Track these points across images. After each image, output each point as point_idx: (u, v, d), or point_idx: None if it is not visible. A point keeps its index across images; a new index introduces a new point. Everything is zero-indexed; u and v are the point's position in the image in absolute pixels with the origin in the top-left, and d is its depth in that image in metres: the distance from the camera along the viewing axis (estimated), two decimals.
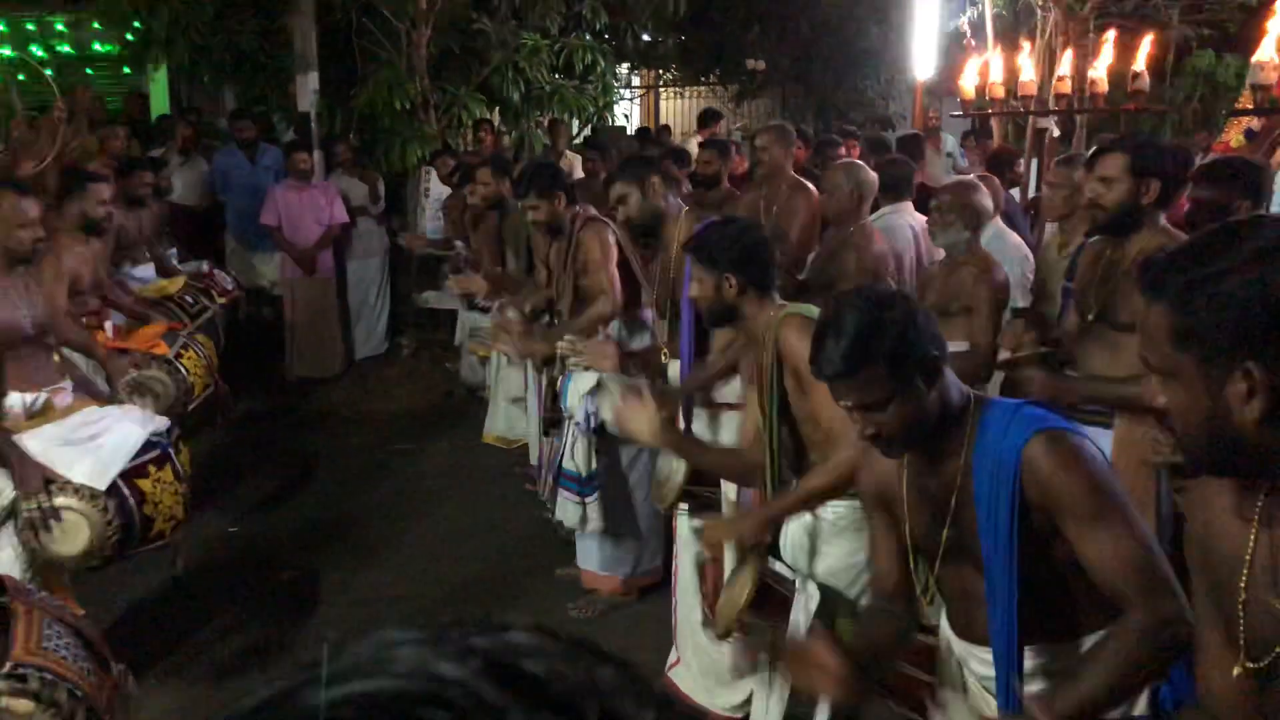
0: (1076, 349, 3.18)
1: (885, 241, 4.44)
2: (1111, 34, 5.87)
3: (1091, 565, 1.78)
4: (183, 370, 4.44)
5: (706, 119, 8.61)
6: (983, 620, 1.93)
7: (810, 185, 5.17)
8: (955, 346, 3.66)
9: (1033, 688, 1.92)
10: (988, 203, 3.94)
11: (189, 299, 5.61)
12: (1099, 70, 5.64)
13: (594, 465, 4.05)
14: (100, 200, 4.66)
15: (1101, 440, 2.93)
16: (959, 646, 2.09)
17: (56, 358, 3.56)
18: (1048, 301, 3.88)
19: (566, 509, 4.12)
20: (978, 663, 2.03)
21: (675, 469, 3.44)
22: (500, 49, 8.07)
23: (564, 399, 4.09)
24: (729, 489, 3.34)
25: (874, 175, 4.42)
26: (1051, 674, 1.94)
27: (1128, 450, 2.96)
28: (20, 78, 10.50)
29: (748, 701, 3.40)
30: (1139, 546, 1.76)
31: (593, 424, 3.99)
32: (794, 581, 2.67)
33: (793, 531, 2.83)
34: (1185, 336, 1.30)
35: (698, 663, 3.54)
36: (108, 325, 4.81)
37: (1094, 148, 3.51)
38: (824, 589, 2.62)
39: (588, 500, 4.07)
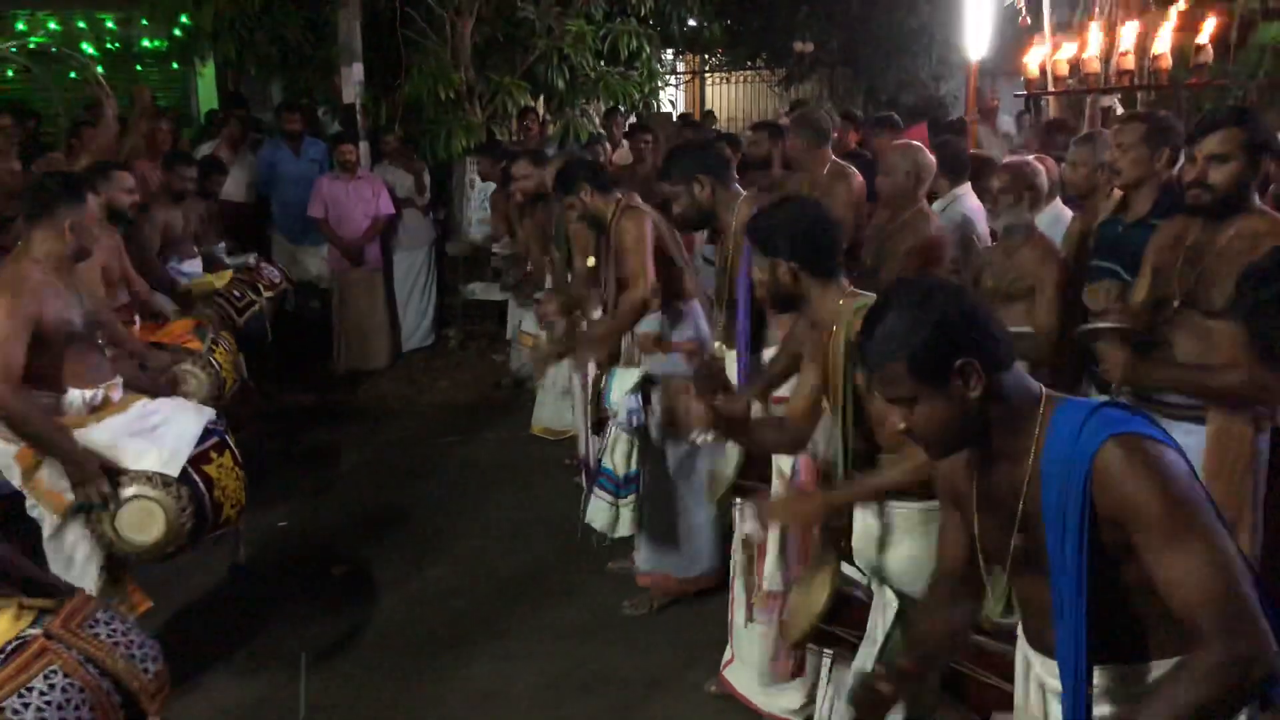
0: (1154, 334, 3.02)
1: (981, 221, 4.35)
2: (1174, 9, 5.68)
3: (1165, 589, 1.65)
4: (215, 365, 4.46)
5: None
6: (1052, 634, 1.81)
7: (852, 171, 5.05)
8: (1019, 330, 3.56)
9: (1101, 710, 1.80)
10: (1044, 182, 3.80)
11: (236, 294, 5.63)
12: (1161, 46, 5.45)
13: (633, 467, 3.95)
14: (125, 189, 4.68)
15: (1192, 437, 2.77)
16: (1034, 658, 1.98)
17: (107, 354, 3.59)
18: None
19: (598, 510, 4.00)
20: (1049, 676, 1.91)
21: (724, 462, 3.34)
22: (545, 36, 7.99)
23: (606, 397, 4.01)
24: (781, 465, 3.22)
25: (932, 158, 4.27)
26: (1119, 697, 1.81)
27: (1224, 447, 2.77)
28: (71, 75, 10.67)
29: (805, 705, 3.32)
30: (1220, 573, 1.61)
31: (635, 422, 3.90)
32: (869, 587, 2.57)
33: (860, 534, 2.73)
34: None
35: (753, 663, 3.44)
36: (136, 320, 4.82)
37: (1196, 122, 3.33)
38: (901, 596, 2.51)
39: (621, 502, 3.96)
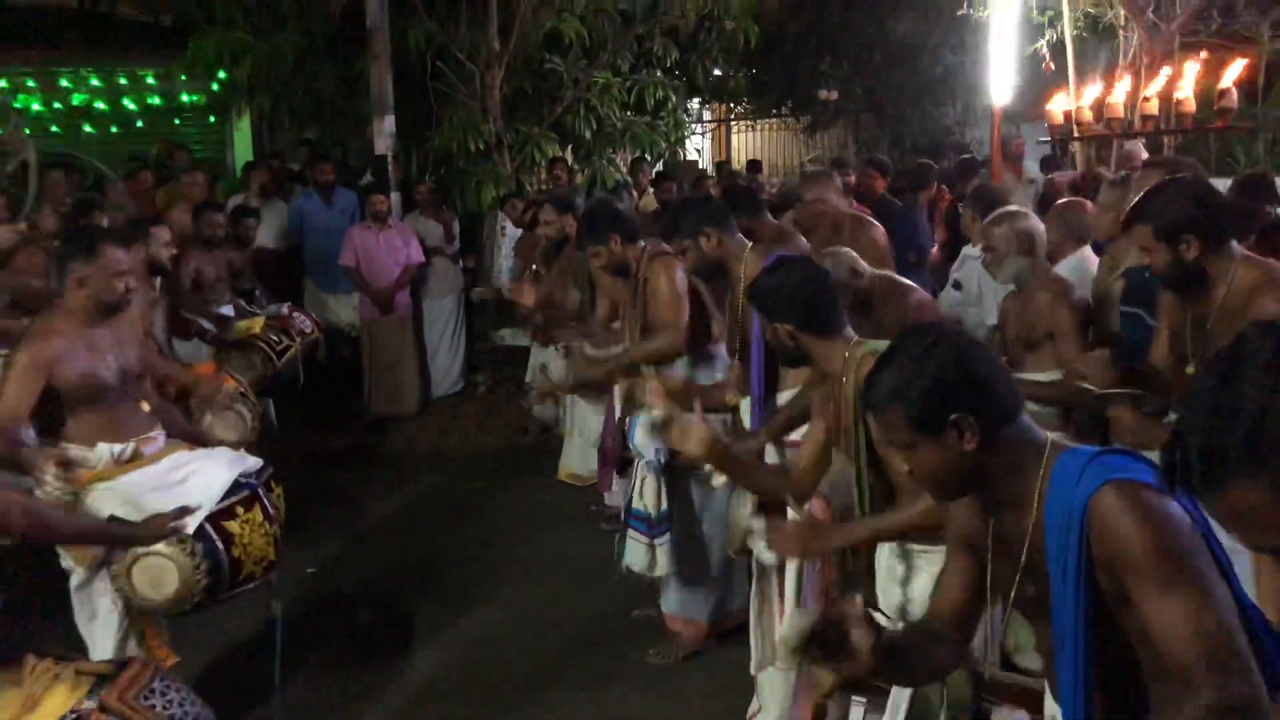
0: (1176, 396, 3.00)
1: None
2: (1197, 56, 5.70)
3: (1157, 635, 1.61)
4: (253, 401, 4.49)
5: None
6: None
7: (871, 221, 5.14)
8: (1045, 375, 3.55)
9: None
10: (1037, 225, 3.78)
11: (274, 337, 5.72)
12: (1185, 90, 5.46)
13: (664, 506, 3.93)
14: (165, 242, 4.80)
15: None
16: (1052, 706, 1.96)
17: (146, 407, 3.51)
18: (1107, 327, 3.72)
19: (635, 551, 3.98)
20: None
21: (743, 510, 3.30)
22: (572, 88, 8.14)
23: (631, 437, 4.00)
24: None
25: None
26: None
27: None
28: (113, 129, 10.95)
29: None
30: (1212, 618, 1.57)
31: (662, 461, 3.90)
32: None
33: (884, 577, 2.71)
34: None
35: (775, 710, 3.40)
36: None
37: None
38: None
39: (657, 542, 3.93)
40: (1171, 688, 1.64)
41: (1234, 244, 2.89)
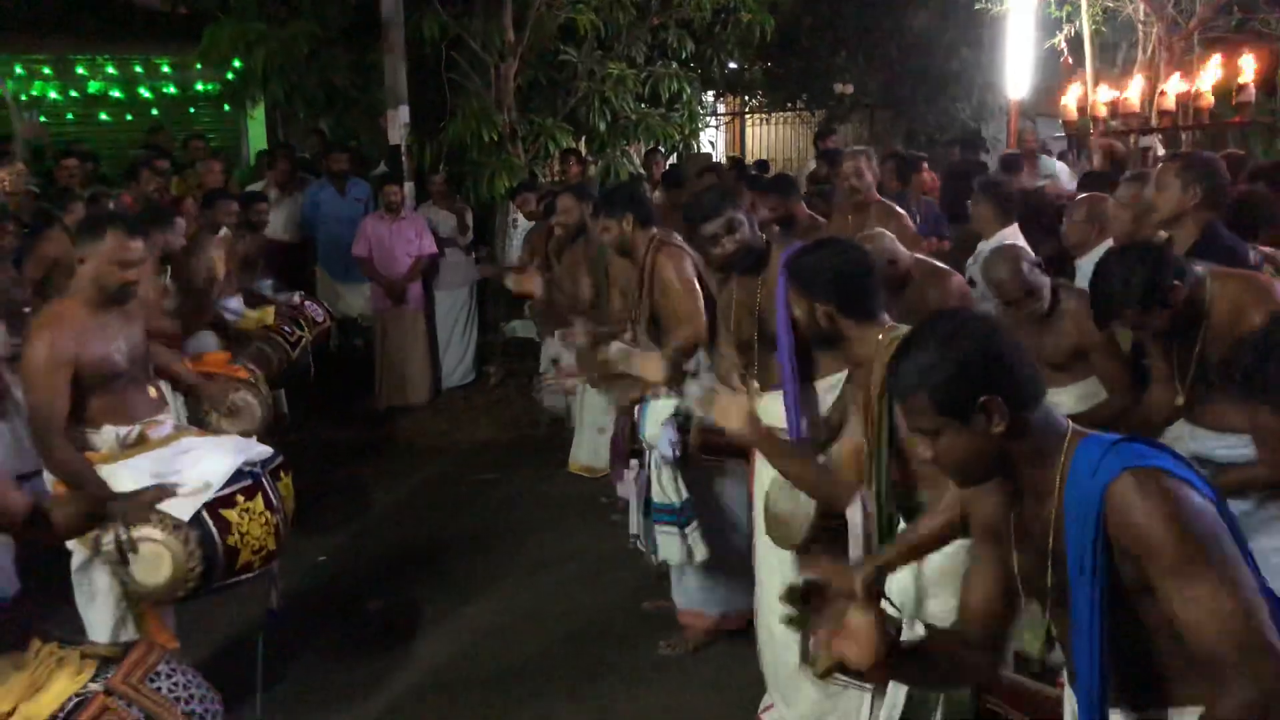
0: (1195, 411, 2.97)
1: None
2: (1216, 51, 5.66)
3: (1184, 625, 1.61)
4: (265, 392, 4.48)
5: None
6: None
7: (897, 210, 5.07)
8: (1073, 392, 3.49)
9: None
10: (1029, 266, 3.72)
11: (286, 328, 5.73)
12: (1204, 85, 5.42)
13: (685, 493, 3.88)
14: (178, 233, 4.87)
15: None
16: (1069, 698, 1.95)
17: (154, 392, 3.52)
18: None
19: (669, 545, 3.91)
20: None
21: (804, 503, 3.07)
22: (587, 79, 8.11)
23: (642, 428, 3.96)
24: (854, 518, 3.13)
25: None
26: None
27: None
28: (128, 117, 10.98)
29: None
30: (1240, 606, 1.58)
31: (675, 453, 3.86)
32: (901, 623, 2.54)
33: (899, 574, 2.69)
34: None
35: (793, 707, 3.38)
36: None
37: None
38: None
39: (688, 530, 3.89)
40: (1196, 678, 1.63)
41: (1196, 265, 2.86)
